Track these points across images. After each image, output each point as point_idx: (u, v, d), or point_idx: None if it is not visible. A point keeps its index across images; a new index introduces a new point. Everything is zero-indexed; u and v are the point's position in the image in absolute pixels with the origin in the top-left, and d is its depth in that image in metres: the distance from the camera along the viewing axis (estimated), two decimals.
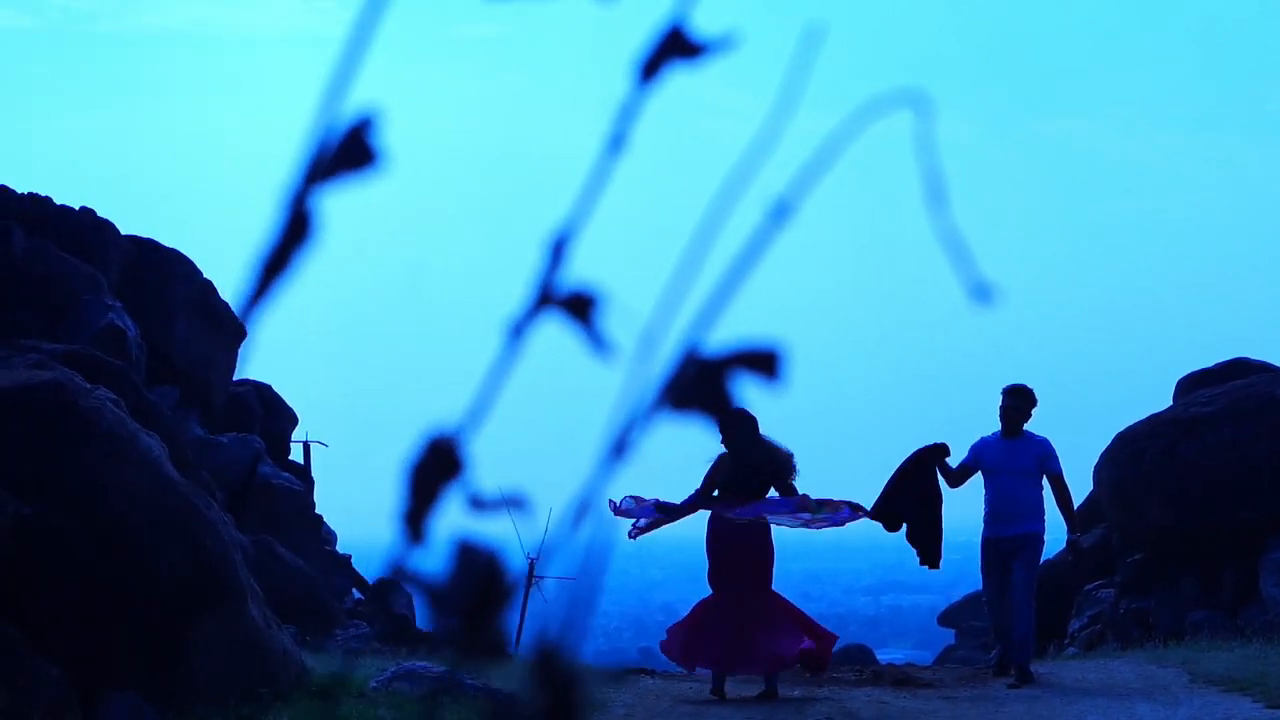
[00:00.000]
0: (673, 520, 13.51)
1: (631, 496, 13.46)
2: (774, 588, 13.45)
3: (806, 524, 13.30)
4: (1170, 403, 21.16)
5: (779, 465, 13.24)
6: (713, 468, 13.25)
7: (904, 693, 13.72)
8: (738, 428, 13.02)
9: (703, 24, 0.92)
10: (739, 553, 13.15)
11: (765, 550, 13.27)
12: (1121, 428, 20.21)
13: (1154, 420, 19.74)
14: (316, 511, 18.07)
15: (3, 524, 10.30)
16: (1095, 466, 20.43)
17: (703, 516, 13.45)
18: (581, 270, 0.98)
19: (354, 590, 18.52)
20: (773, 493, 13.26)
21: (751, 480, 13.16)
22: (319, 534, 17.82)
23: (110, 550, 10.63)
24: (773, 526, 13.32)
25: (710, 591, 13.38)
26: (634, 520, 13.36)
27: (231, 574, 11.08)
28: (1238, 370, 21.10)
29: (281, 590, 14.88)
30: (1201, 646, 16.04)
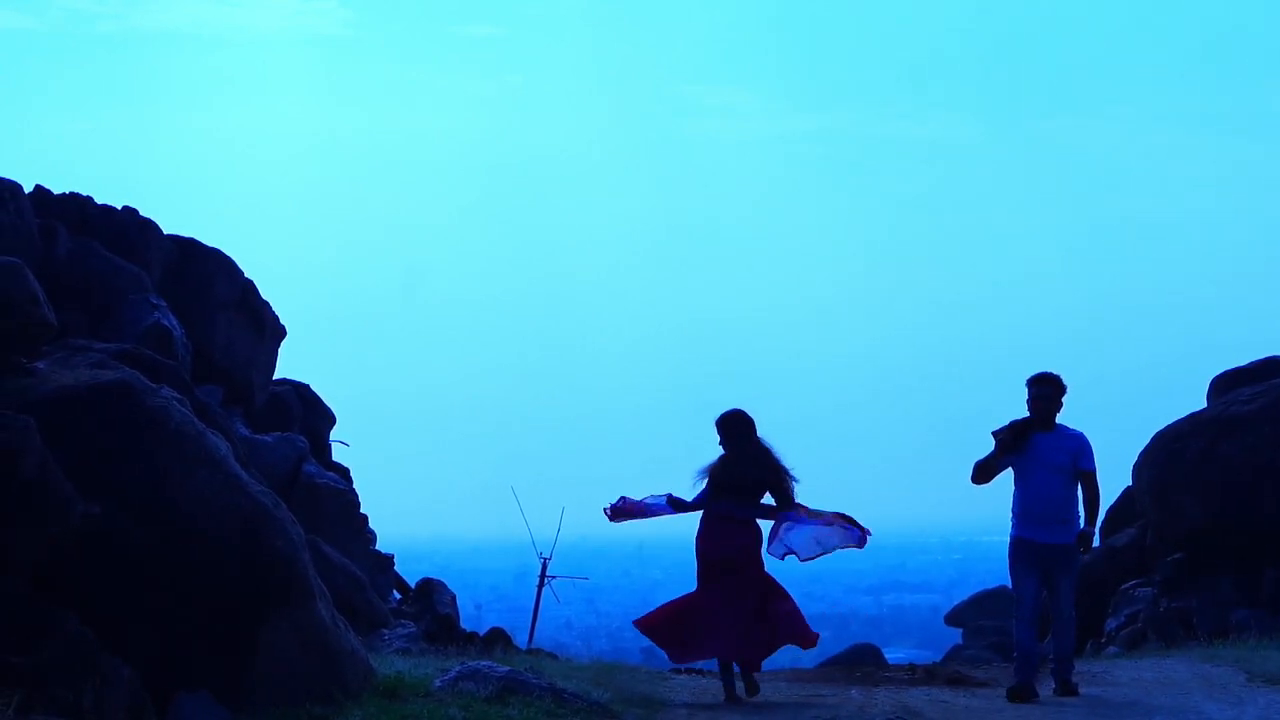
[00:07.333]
0: (676, 514, 13.29)
1: (624, 498, 13.28)
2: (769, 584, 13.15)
3: (826, 544, 13.09)
4: (1204, 401, 21.11)
5: (772, 469, 13.02)
6: (710, 468, 13.10)
7: (961, 692, 13.67)
8: (734, 429, 12.93)
9: None
10: (731, 553, 12.94)
11: (755, 551, 13.05)
12: (1146, 427, 20.17)
13: (1194, 419, 19.69)
14: (362, 511, 17.95)
15: (72, 524, 10.23)
16: (1134, 465, 20.39)
17: (691, 515, 13.26)
18: None
19: (394, 592, 18.41)
20: (768, 499, 13.11)
21: (744, 483, 13.01)
22: (364, 534, 17.71)
23: (180, 549, 10.57)
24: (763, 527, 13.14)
25: (697, 588, 13.12)
26: (636, 504, 13.16)
27: (301, 573, 11.03)
28: (1273, 369, 21.08)
29: (329, 591, 14.78)
30: (1250, 645, 16.00)
